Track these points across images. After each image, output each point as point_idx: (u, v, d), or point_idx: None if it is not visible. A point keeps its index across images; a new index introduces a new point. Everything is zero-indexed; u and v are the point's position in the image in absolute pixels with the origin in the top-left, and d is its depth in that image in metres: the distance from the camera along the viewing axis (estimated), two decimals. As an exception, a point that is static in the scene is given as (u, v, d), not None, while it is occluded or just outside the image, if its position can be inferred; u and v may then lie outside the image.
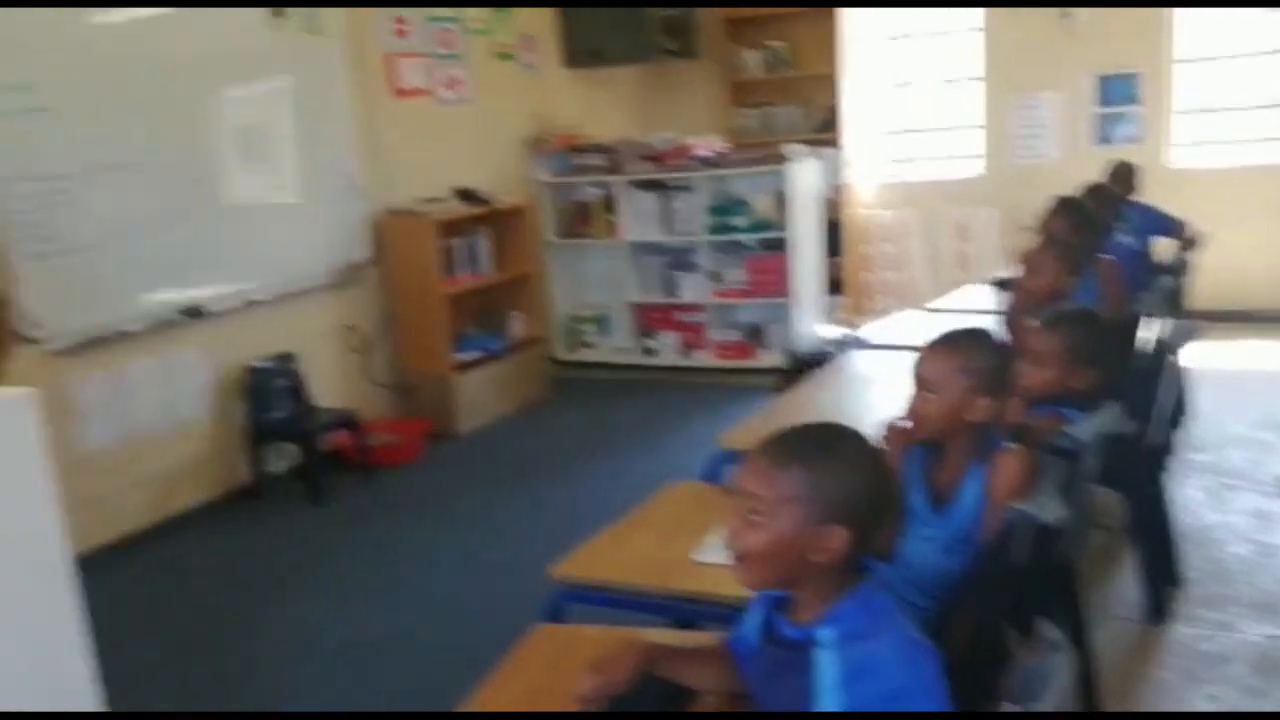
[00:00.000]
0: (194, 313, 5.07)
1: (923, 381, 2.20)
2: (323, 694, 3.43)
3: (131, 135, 4.76)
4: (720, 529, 2.38)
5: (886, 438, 2.21)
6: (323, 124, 5.80)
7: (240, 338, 5.31)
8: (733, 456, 2.81)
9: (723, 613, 2.01)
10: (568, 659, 1.94)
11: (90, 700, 2.54)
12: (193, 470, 5.15)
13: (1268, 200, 7.03)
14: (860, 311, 8.22)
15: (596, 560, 2.48)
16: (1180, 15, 7.38)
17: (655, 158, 6.99)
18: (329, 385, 5.80)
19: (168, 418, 5.02)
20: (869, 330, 5.98)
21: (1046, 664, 1.49)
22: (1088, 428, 2.48)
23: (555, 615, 2.32)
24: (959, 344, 2.21)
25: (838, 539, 1.44)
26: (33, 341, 4.37)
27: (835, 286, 7.83)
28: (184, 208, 5.02)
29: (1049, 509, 2.05)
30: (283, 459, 5.50)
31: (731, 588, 1.98)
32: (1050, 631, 1.55)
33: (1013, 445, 2.20)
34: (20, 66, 4.32)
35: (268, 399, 5.33)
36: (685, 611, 2.37)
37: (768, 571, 1.49)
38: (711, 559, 2.31)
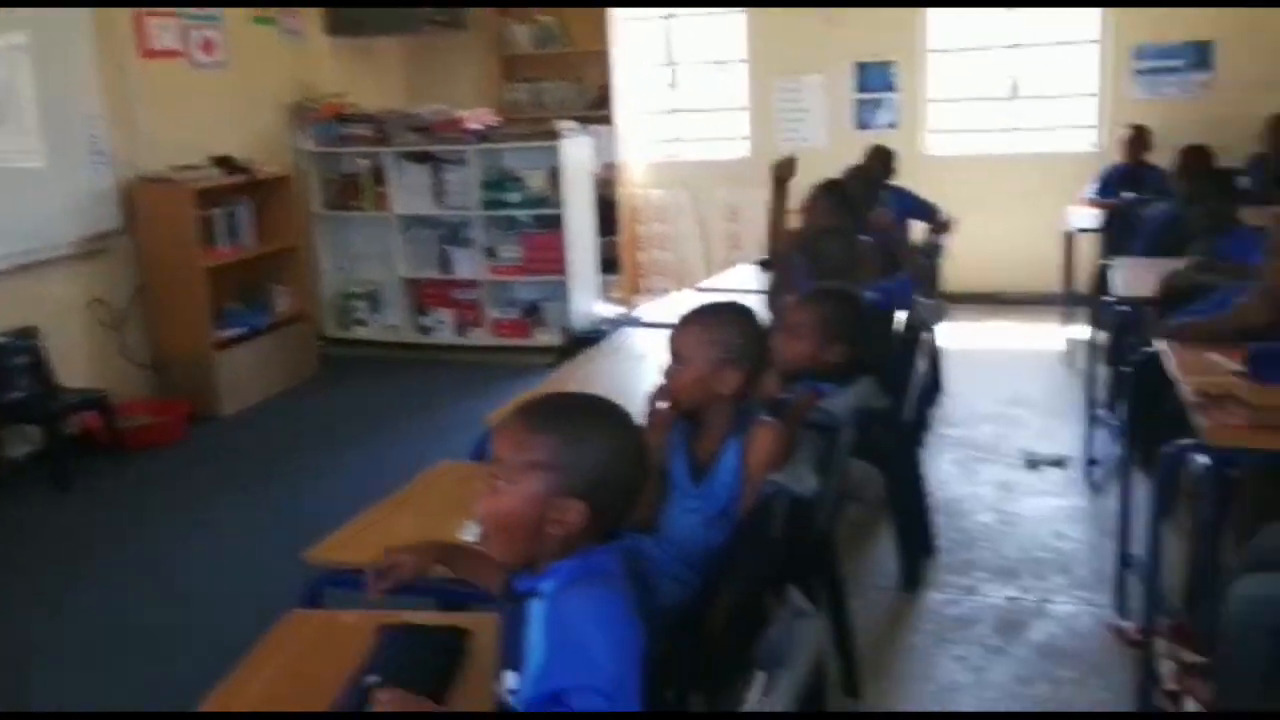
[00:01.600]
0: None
1: (675, 353, 2.22)
2: (72, 688, 3.24)
3: None
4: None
5: (649, 413, 2.20)
6: (65, 84, 5.39)
7: (-28, 310, 4.85)
8: (497, 436, 2.74)
9: (488, 593, 1.95)
10: (322, 645, 1.85)
11: None
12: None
13: (1016, 187, 7.48)
14: (635, 290, 8.29)
15: (355, 543, 2.35)
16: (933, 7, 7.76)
17: (425, 129, 6.80)
18: (77, 363, 5.40)
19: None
20: (643, 309, 6.03)
21: (794, 630, 1.49)
22: (842, 402, 2.55)
23: (313, 600, 2.20)
24: (709, 317, 2.24)
25: (574, 513, 1.41)
26: None
27: (610, 265, 7.86)
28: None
29: (803, 481, 2.08)
30: (24, 443, 5.08)
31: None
32: (800, 600, 1.56)
33: (768, 419, 2.23)
34: None
35: (5, 377, 4.89)
36: (450, 593, 2.28)
37: (508, 541, 1.46)
38: (475, 538, 2.23)
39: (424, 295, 7.15)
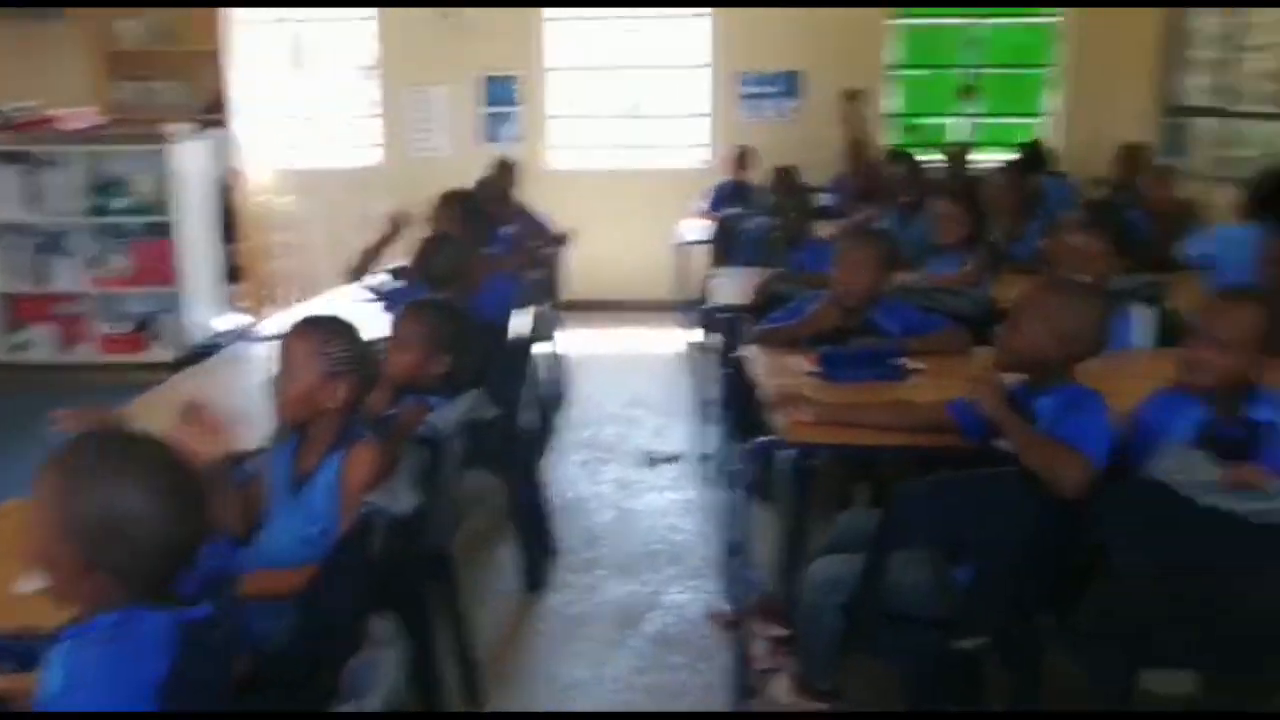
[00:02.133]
0: None
1: (283, 365, 2.19)
2: None
3: None
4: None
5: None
6: None
7: None
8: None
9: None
10: None
11: None
12: None
13: (634, 201, 7.84)
14: (262, 301, 7.93)
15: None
16: (551, 25, 7.99)
17: (14, 127, 6.18)
18: None
19: None
20: (268, 321, 5.78)
21: (377, 660, 1.50)
22: (449, 415, 2.57)
23: None
24: (316, 328, 2.20)
25: (69, 564, 1.39)
26: None
27: (235, 275, 7.47)
28: None
29: (401, 500, 2.09)
30: None
31: (58, 618, 1.78)
32: (383, 630, 1.57)
33: (368, 436, 2.22)
34: None
35: None
36: (22, 652, 2.07)
37: (55, 588, 1.44)
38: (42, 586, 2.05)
39: (17, 310, 6.47)
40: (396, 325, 2.72)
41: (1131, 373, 2.72)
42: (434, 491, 2.54)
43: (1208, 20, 6.83)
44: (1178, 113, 7.21)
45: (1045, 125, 8.02)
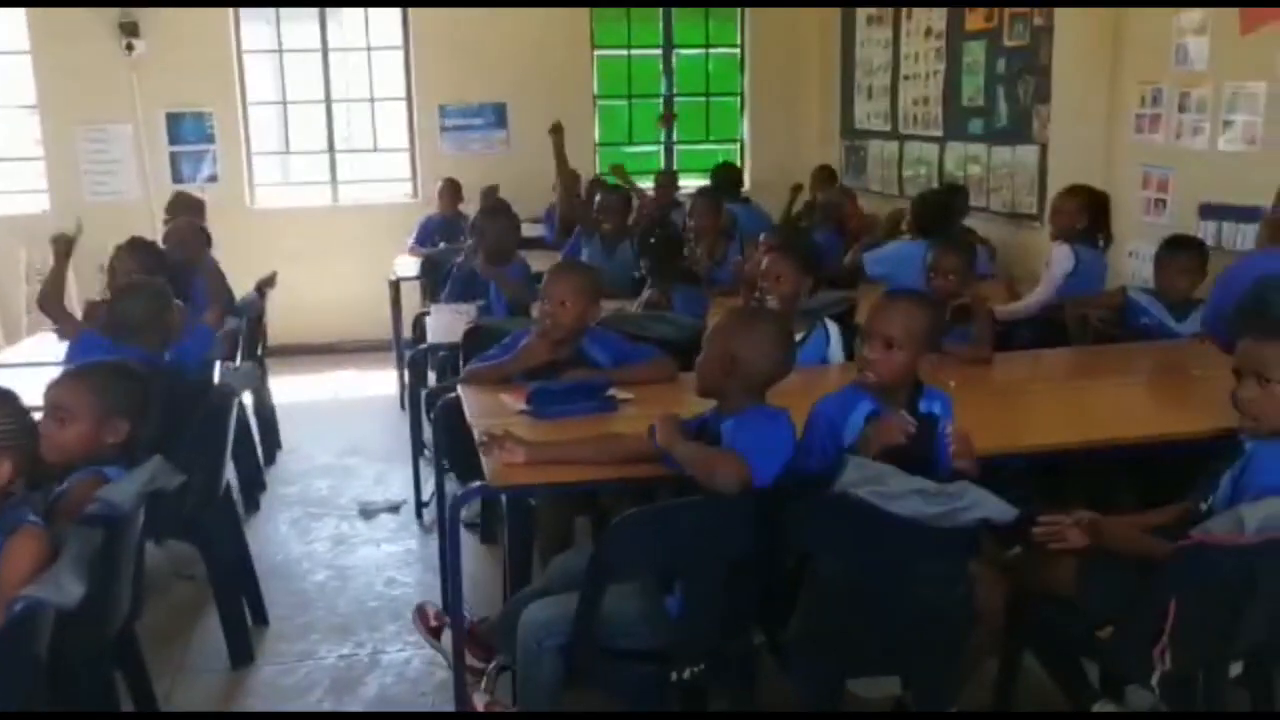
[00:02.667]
0: None
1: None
2: None
3: None
4: None
5: None
6: None
7: None
8: None
9: None
10: None
11: None
12: None
13: (342, 238, 7.57)
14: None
15: None
16: (251, 59, 7.63)
17: None
18: None
19: None
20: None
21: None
22: (127, 489, 2.33)
23: None
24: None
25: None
26: None
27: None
28: None
29: (65, 590, 1.86)
30: None
31: None
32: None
33: (30, 520, 1.98)
34: None
35: None
36: None
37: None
38: None
39: None
40: (52, 394, 2.44)
41: (824, 387, 2.82)
42: (111, 573, 2.30)
43: (874, 51, 7.36)
44: (855, 135, 7.72)
45: (737, 151, 8.41)
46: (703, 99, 8.51)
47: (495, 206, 5.83)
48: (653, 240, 4.77)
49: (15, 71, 7.33)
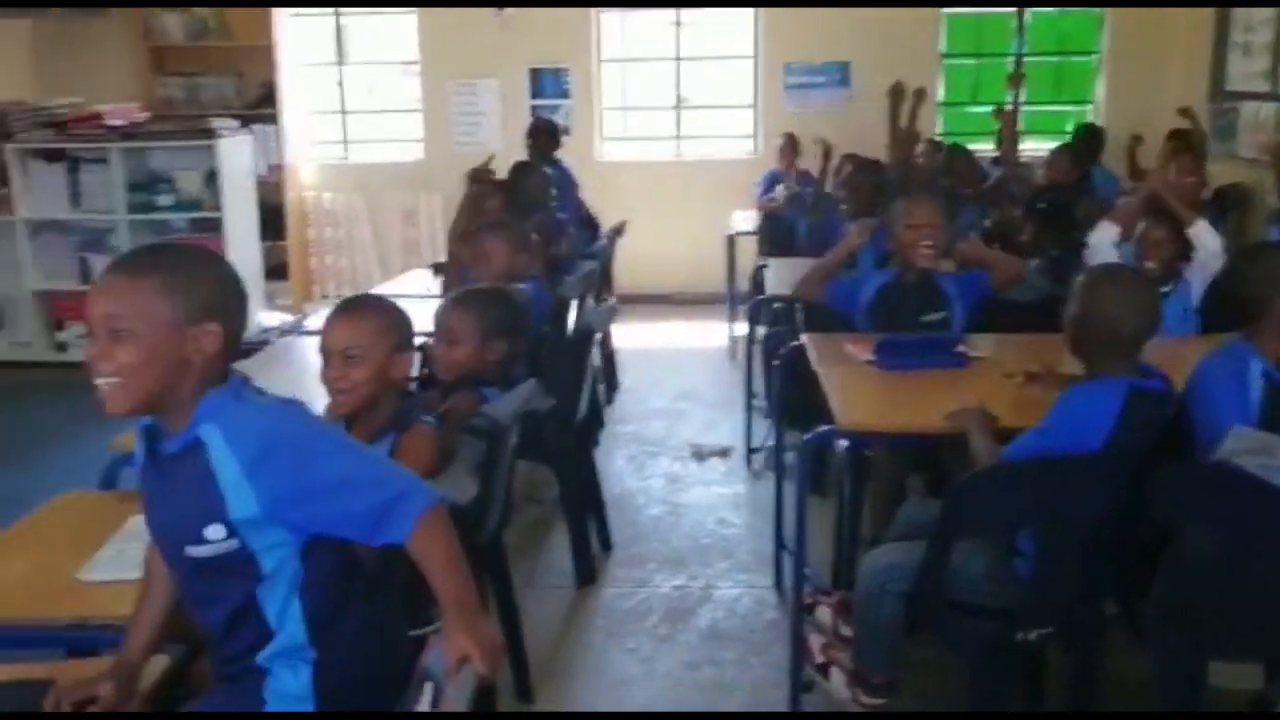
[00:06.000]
0: None
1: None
2: None
3: None
4: (116, 542, 2.11)
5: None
6: None
7: None
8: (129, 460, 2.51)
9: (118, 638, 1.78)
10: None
11: None
12: None
13: (683, 192, 7.78)
14: (307, 297, 7.96)
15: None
16: (607, 17, 7.96)
17: (57, 124, 6.21)
18: None
19: None
20: (313, 317, 5.78)
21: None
22: (505, 407, 2.53)
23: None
24: (369, 307, 2.23)
25: (212, 336, 1.53)
26: None
27: (279, 272, 7.51)
28: None
29: (462, 488, 2.04)
30: None
31: (126, 606, 1.76)
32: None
33: (426, 420, 2.18)
34: None
35: None
36: (77, 640, 2.06)
37: (144, 386, 1.51)
38: (102, 576, 2.03)
39: (60, 308, 6.49)
40: (442, 319, 2.68)
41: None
42: (490, 483, 2.50)
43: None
44: (1225, 98, 7.04)
45: (1087, 113, 7.89)
46: (1054, 59, 8.05)
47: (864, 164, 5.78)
48: (1041, 206, 4.53)
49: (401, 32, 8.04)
